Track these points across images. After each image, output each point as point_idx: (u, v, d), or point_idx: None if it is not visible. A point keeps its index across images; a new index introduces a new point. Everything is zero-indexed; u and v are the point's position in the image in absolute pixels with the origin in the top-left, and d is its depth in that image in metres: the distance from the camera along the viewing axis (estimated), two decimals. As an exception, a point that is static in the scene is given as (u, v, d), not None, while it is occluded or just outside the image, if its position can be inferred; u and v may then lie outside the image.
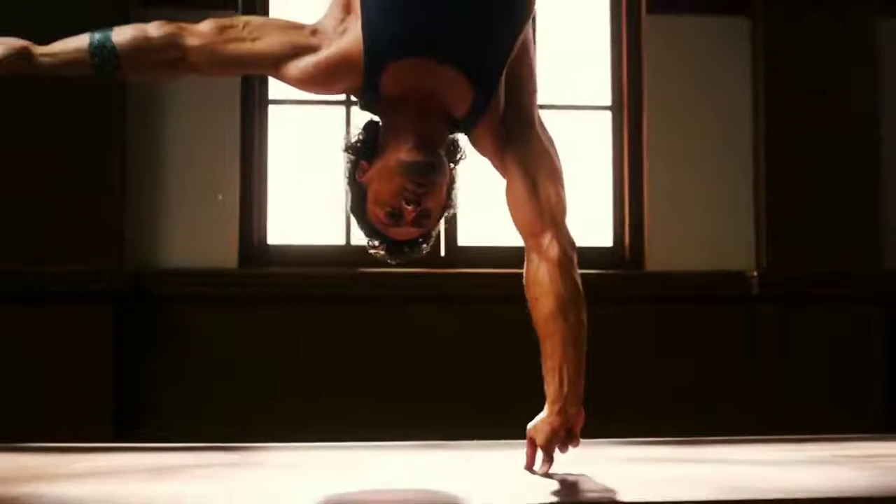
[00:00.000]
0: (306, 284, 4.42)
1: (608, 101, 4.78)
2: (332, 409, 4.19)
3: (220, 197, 4.47)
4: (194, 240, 4.45)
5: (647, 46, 4.71)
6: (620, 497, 1.91)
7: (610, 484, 2.07)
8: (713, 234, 4.63)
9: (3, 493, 1.99)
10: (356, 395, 4.26)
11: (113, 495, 1.97)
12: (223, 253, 4.48)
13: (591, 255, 4.68)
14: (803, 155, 4.60)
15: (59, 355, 4.16)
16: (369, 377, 4.32)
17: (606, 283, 4.58)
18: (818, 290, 4.55)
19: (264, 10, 4.61)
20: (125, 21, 4.10)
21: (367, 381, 4.30)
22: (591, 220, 4.76)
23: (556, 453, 2.19)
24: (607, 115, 4.78)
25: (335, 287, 4.40)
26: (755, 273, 4.54)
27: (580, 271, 4.51)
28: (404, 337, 4.38)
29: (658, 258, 4.64)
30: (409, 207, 2.18)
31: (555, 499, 1.89)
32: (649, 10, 4.70)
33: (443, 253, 4.57)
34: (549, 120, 4.66)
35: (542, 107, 4.61)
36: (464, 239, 4.61)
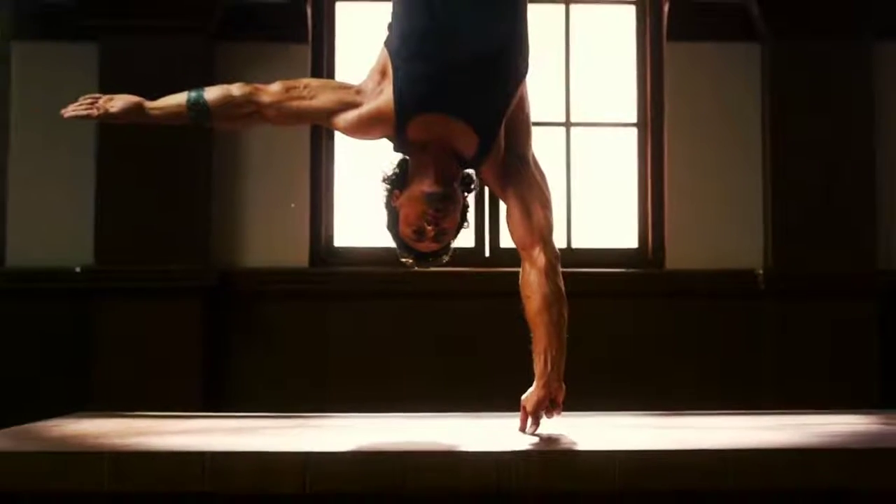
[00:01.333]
0: (368, 281, 5.10)
1: (634, 119, 5.40)
2: (387, 388, 4.86)
3: (293, 205, 5.18)
4: (271, 242, 5.17)
5: (668, 70, 5.31)
6: (577, 447, 2.56)
7: (576, 438, 2.70)
8: (725, 236, 5.23)
9: (118, 443, 2.68)
10: (410, 375, 4.94)
11: (201, 444, 2.65)
12: (296, 254, 5.20)
13: (618, 256, 5.33)
14: (807, 167, 5.16)
15: (158, 341, 4.90)
16: (421, 361, 5.00)
17: (631, 280, 5.23)
18: (818, 287, 5.11)
19: (330, 46, 5.31)
20: (212, 58, 4.85)
21: (419, 364, 4.98)
22: (618, 224, 5.39)
23: (543, 419, 2.82)
24: (633, 132, 5.40)
25: (393, 283, 5.04)
26: (761, 271, 5.13)
27: (608, 270, 5.19)
28: (453, 327, 5.05)
29: (676, 258, 5.26)
30: (430, 227, 2.83)
31: (530, 448, 2.53)
32: (669, 38, 5.31)
33: (487, 254, 5.22)
34: (582, 136, 5.33)
35: (576, 124, 5.28)
36: (506, 241, 5.25)
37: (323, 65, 5.30)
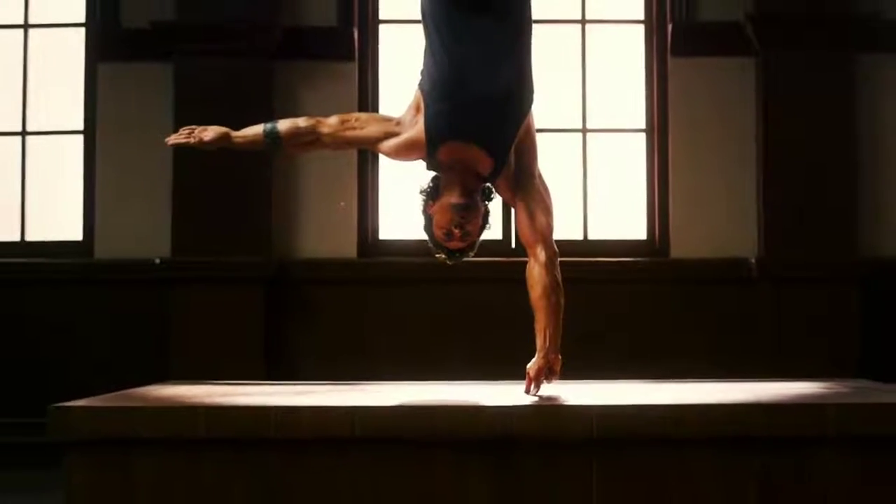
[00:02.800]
0: (409, 270, 5.81)
1: (643, 125, 6.09)
2: (423, 360, 5.58)
3: (342, 204, 5.93)
4: (323, 236, 5.94)
5: (672, 81, 6.00)
6: (565, 403, 3.28)
7: (567, 397, 3.41)
8: (723, 228, 5.91)
9: (207, 401, 3.42)
10: (442, 349, 5.66)
11: (270, 402, 3.38)
12: (345, 246, 5.96)
13: (628, 246, 6.04)
14: (795, 166, 5.82)
15: (226, 323, 5.68)
16: (452, 337, 5.73)
17: (640, 267, 5.94)
18: (806, 273, 5.78)
19: (374, 64, 6.04)
20: (271, 76, 5.55)
21: (450, 340, 5.71)
22: (628, 218, 6.09)
23: (543, 384, 3.53)
24: (642, 136, 6.09)
25: (431, 271, 5.65)
26: (754, 260, 5.81)
27: (620, 259, 5.89)
28: (484, 310, 5.77)
29: (680, 248, 5.96)
30: (457, 231, 3.53)
31: (530, 404, 3.26)
32: (673, 54, 5.99)
33: (513, 245, 5.92)
34: (596, 140, 6.01)
35: (591, 130, 5.96)
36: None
37: (368, 80, 6.04)
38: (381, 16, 6.13)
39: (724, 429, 3.13)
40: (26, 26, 6.22)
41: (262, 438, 3.15)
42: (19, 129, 6.18)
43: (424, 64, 3.60)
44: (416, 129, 3.57)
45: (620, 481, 3.13)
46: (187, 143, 3.78)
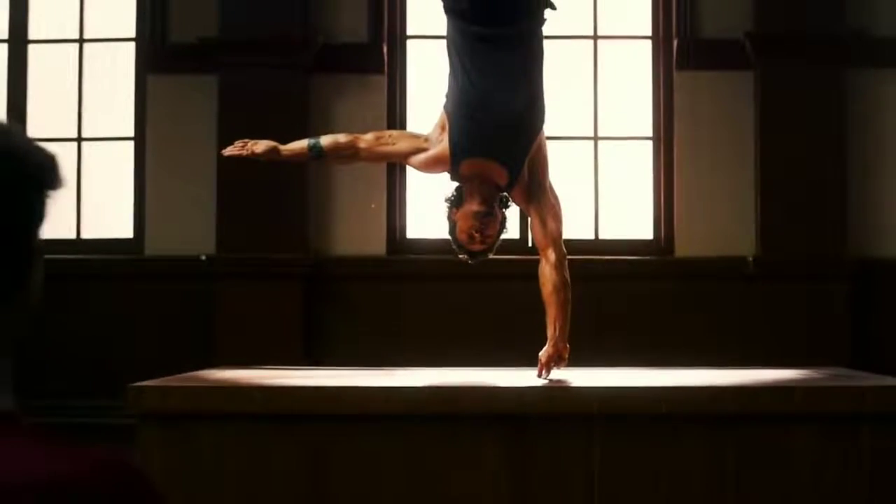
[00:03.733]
0: (435, 267, 6.27)
1: (650, 134, 6.58)
2: (448, 350, 6.06)
3: (373, 205, 6.43)
4: (356, 235, 6.44)
5: (677, 93, 6.48)
6: (570, 384, 3.78)
7: (573, 381, 3.91)
8: (723, 229, 6.39)
9: (260, 382, 3.94)
10: (465, 340, 6.15)
11: (314, 383, 3.90)
12: (376, 244, 6.46)
13: (636, 246, 6.53)
14: (790, 172, 6.29)
15: (267, 316, 6.19)
16: (475, 329, 6.22)
17: (647, 265, 6.42)
18: (799, 270, 6.26)
19: (402, 76, 6.54)
20: (308, 88, 6.01)
21: (473, 332, 6.21)
22: (636, 219, 6.58)
23: (553, 369, 4.03)
24: (649, 144, 6.58)
25: (455, 268, 6.07)
26: (752, 258, 6.29)
27: (629, 257, 6.36)
28: (501, 303, 6.26)
29: (684, 247, 6.44)
30: (477, 235, 4.02)
31: (540, 386, 3.76)
32: (678, 68, 6.47)
33: (529, 244, 6.41)
34: (607, 147, 6.47)
35: (602, 138, 6.41)
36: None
37: (396, 91, 6.54)
38: (409, 32, 6.62)
39: (707, 407, 3.63)
40: (81, 41, 6.74)
41: (308, 414, 3.66)
42: (75, 135, 6.70)
43: (449, 87, 4.09)
44: (441, 145, 4.07)
45: (618, 451, 3.61)
46: (240, 154, 4.26)
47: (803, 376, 4.27)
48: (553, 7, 4.09)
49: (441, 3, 4.10)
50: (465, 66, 4.00)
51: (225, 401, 3.72)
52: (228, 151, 4.29)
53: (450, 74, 4.09)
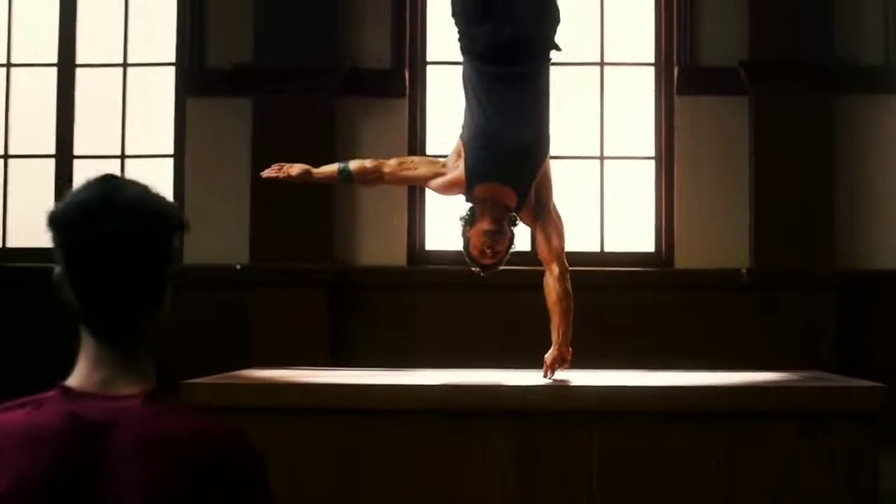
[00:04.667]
0: (451, 276, 6.73)
1: (652, 154, 7.07)
2: (463, 353, 6.52)
3: (394, 220, 6.93)
4: (378, 247, 6.94)
5: (678, 116, 6.97)
6: (572, 384, 4.27)
7: (575, 381, 4.39)
8: (719, 243, 6.87)
9: (295, 381, 4.43)
10: (479, 343, 6.63)
11: (342, 381, 4.39)
12: (397, 255, 6.97)
13: (638, 258, 7.01)
14: (782, 190, 6.77)
15: (296, 321, 6.68)
16: (487, 334, 6.71)
17: (648, 277, 6.90)
18: (790, 282, 6.74)
19: (422, 100, 7.04)
20: (335, 110, 6.49)
21: (485, 336, 6.69)
22: (639, 234, 7.06)
23: (557, 370, 4.50)
24: (651, 163, 7.07)
25: (469, 278, 6.58)
26: (745, 270, 6.77)
27: (632, 269, 6.80)
28: (512, 310, 6.74)
29: (683, 259, 6.92)
30: (488, 251, 4.49)
31: (544, 385, 4.25)
32: (679, 93, 6.96)
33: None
34: (612, 166, 6.94)
35: (608, 157, 6.88)
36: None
37: (417, 113, 7.04)
38: (429, 58, 7.13)
39: (696, 404, 4.09)
40: (125, 65, 7.27)
41: (339, 408, 4.14)
42: (119, 153, 7.23)
43: (465, 119, 4.57)
44: (458, 171, 4.55)
45: (615, 444, 4.07)
46: (277, 176, 4.75)
47: (783, 378, 4.73)
48: (559, 49, 4.59)
49: (459, 44, 4.60)
50: (481, 102, 4.49)
51: (267, 396, 4.22)
52: (266, 174, 4.76)
53: (466, 108, 4.58)
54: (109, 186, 1.78)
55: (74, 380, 1.77)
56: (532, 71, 4.53)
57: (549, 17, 4.56)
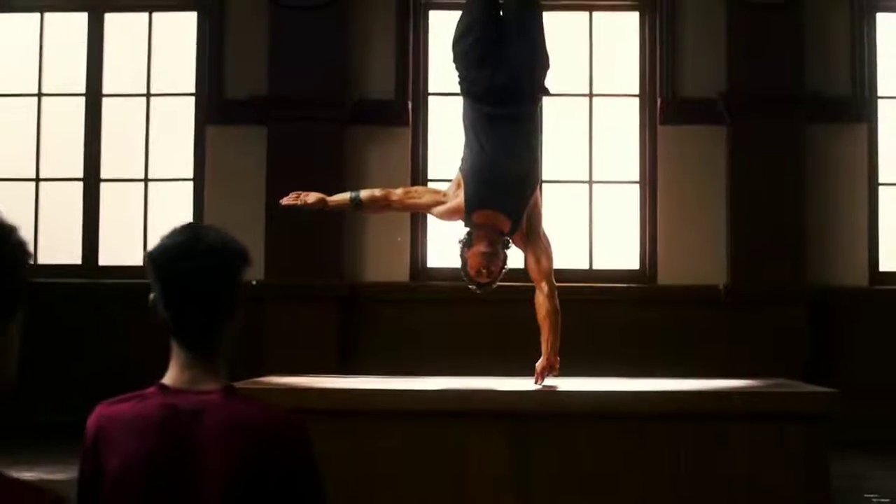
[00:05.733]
0: (450, 292, 7.25)
1: (637, 178, 7.63)
2: (462, 362, 7.03)
3: (398, 239, 7.48)
4: (383, 264, 7.49)
5: (661, 143, 7.53)
6: (560, 389, 4.82)
7: (563, 387, 4.93)
8: (699, 261, 7.42)
9: (312, 386, 4.98)
10: (477, 353, 7.14)
11: (358, 386, 4.93)
12: (400, 271, 7.51)
13: (623, 275, 7.56)
14: (756, 212, 7.33)
15: (309, 333, 7.23)
16: (485, 344, 7.24)
17: (633, 292, 7.45)
18: (764, 298, 7.29)
19: (424, 128, 7.60)
20: (343, 138, 7.02)
21: (483, 347, 7.22)
22: (625, 252, 7.62)
23: (547, 377, 5.05)
24: (636, 187, 7.63)
25: (468, 293, 7.04)
26: (723, 286, 7.33)
27: (618, 285, 7.33)
28: (505, 323, 7.27)
29: (666, 276, 7.48)
30: (484, 271, 5.03)
31: (535, 390, 4.80)
32: (661, 122, 7.53)
33: (532, 272, 7.44)
34: (600, 190, 7.49)
35: (596, 182, 7.43)
36: (546, 264, 7.47)
37: (419, 142, 7.60)
38: (430, 89, 7.70)
39: (666, 406, 4.63)
40: (148, 95, 7.83)
41: (352, 410, 4.69)
42: (142, 176, 7.79)
43: (464, 154, 5.11)
44: (458, 200, 5.08)
45: (597, 439, 4.61)
46: (295, 204, 5.29)
47: (747, 385, 5.28)
48: (548, 93, 5.15)
49: (459, 87, 5.16)
50: (479, 138, 5.03)
51: (290, 398, 4.73)
52: (285, 201, 5.27)
53: (465, 143, 5.12)
54: (193, 232, 2.35)
55: (168, 379, 2.33)
56: (524, 112, 5.07)
57: (539, 65, 5.11)
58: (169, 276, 2.31)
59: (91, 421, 2.33)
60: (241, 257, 2.38)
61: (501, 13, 5.16)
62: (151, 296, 2.35)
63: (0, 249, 1.44)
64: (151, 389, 2.32)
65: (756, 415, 4.64)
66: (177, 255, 2.32)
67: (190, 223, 2.40)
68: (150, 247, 2.37)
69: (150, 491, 2.21)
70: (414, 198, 5.24)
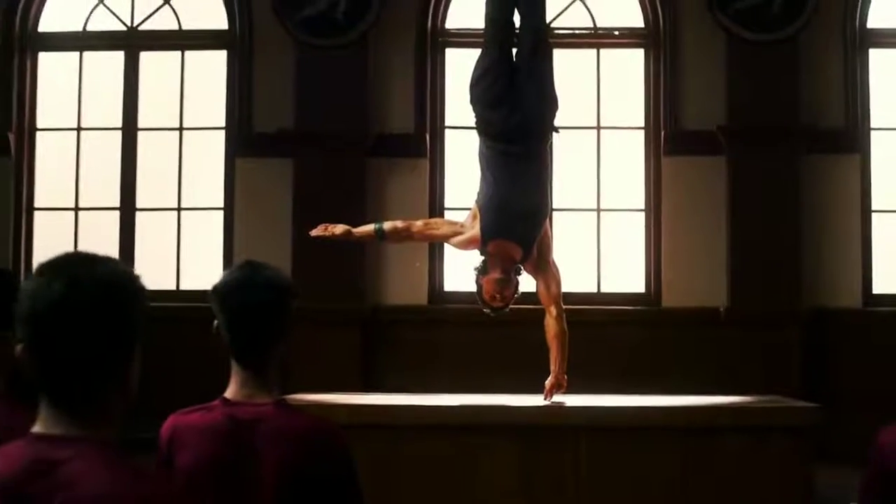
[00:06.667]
0: (467, 314, 7.59)
1: (642, 206, 8.07)
2: (478, 381, 7.46)
3: (417, 264, 7.92)
4: (403, 288, 7.92)
5: (665, 173, 7.96)
6: (567, 405, 5.25)
7: (569, 402, 5.36)
8: (701, 284, 7.84)
9: (342, 403, 5.42)
10: (492, 372, 7.54)
11: (381, 402, 5.37)
12: (419, 295, 7.95)
13: (630, 298, 7.98)
14: (755, 239, 7.75)
15: (333, 354, 7.66)
16: (499, 364, 7.64)
17: (639, 314, 7.87)
18: (761, 319, 7.69)
19: (441, 160, 8.06)
20: (365, 169, 7.46)
21: (497, 366, 7.60)
22: (631, 276, 8.05)
23: (555, 394, 5.47)
24: (642, 215, 8.06)
25: (483, 316, 7.42)
26: (723, 308, 7.75)
27: (625, 307, 7.74)
28: (517, 344, 7.68)
29: (670, 299, 7.90)
30: (497, 296, 5.46)
31: (544, 405, 5.23)
32: (665, 153, 7.96)
33: (544, 295, 7.87)
34: (608, 217, 7.94)
35: (604, 210, 7.88)
36: (556, 287, 7.91)
37: (437, 172, 8.05)
38: (447, 123, 8.15)
39: (663, 420, 5.07)
40: (181, 129, 8.29)
41: (377, 424, 5.11)
42: (175, 205, 8.26)
43: (480, 187, 5.52)
44: (474, 230, 5.50)
45: (599, 451, 5.03)
46: (323, 235, 5.73)
47: (739, 400, 5.70)
48: (557, 131, 5.61)
49: (476, 127, 5.60)
50: (494, 174, 5.46)
51: (321, 413, 5.18)
52: (314, 232, 5.70)
53: (481, 178, 5.56)
54: (250, 269, 2.80)
55: (229, 393, 2.78)
56: (535, 150, 5.50)
57: (549, 106, 5.55)
58: (230, 307, 2.77)
59: (165, 427, 2.79)
60: (290, 292, 2.83)
61: (515, 59, 5.62)
62: (215, 323, 2.81)
63: (132, 293, 1.87)
64: (216, 402, 2.78)
65: (744, 428, 5.05)
66: (237, 289, 2.77)
67: (247, 261, 2.86)
68: (215, 282, 2.83)
69: (216, 485, 2.66)
70: (433, 229, 5.68)
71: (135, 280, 1.88)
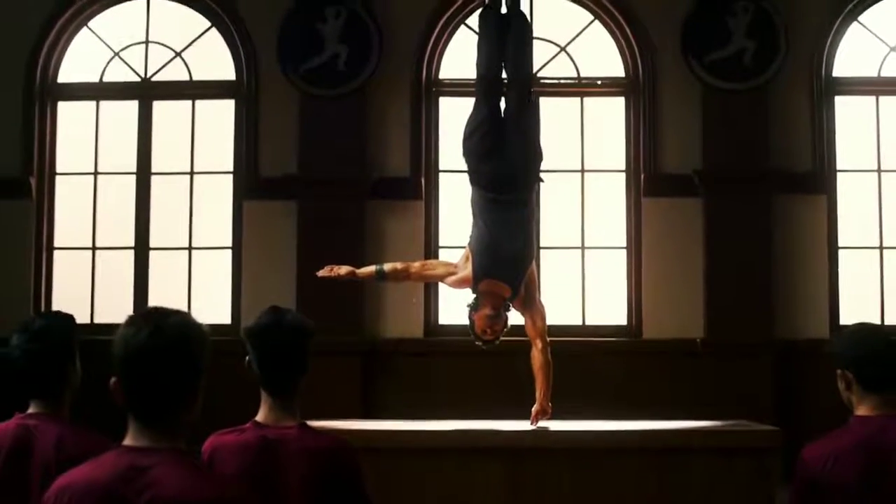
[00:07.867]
0: (460, 346, 7.97)
1: (624, 244, 8.59)
2: (472, 409, 7.93)
3: (414, 300, 8.43)
4: (400, 321, 8.42)
5: (645, 213, 8.47)
6: (551, 429, 5.76)
7: (553, 427, 5.86)
8: (679, 317, 8.33)
9: (351, 429, 5.93)
10: (485, 401, 7.99)
11: (384, 428, 5.88)
12: (415, 329, 8.45)
13: (612, 330, 8.49)
14: (730, 275, 8.26)
15: (335, 385, 8.12)
16: (491, 393, 8.12)
17: (620, 346, 8.37)
18: (736, 350, 8.18)
19: (436, 202, 8.58)
20: (364, 211, 7.97)
21: (490, 395, 8.08)
22: (613, 310, 8.56)
23: (541, 420, 5.97)
24: (623, 252, 8.59)
25: (475, 348, 7.72)
26: (700, 340, 8.27)
27: (607, 339, 8.26)
28: (506, 374, 8.16)
29: (650, 331, 8.40)
30: (489, 330, 5.96)
31: (530, 430, 5.74)
32: (645, 195, 8.49)
33: (532, 328, 8.37)
34: (591, 255, 8.47)
35: (588, 248, 8.40)
36: (544, 320, 8.42)
37: (431, 214, 8.56)
38: (441, 167, 8.67)
39: (638, 443, 5.56)
40: (192, 173, 8.78)
41: (379, 447, 5.60)
42: (186, 245, 8.76)
43: (472, 232, 6.02)
44: (466, 271, 6.01)
45: (581, 472, 5.49)
46: (329, 276, 6.25)
47: (707, 425, 6.20)
48: (542, 181, 6.15)
49: (468, 177, 6.13)
50: (485, 220, 5.97)
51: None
52: (321, 273, 6.21)
53: (473, 223, 6.06)
54: (279, 314, 3.34)
55: (260, 417, 3.32)
56: (522, 198, 6.02)
57: (535, 158, 6.09)
58: (260, 346, 3.31)
59: (206, 445, 3.33)
60: (311, 333, 3.37)
61: (503, 114, 6.16)
62: (247, 358, 3.34)
63: (199, 339, 2.41)
64: (248, 425, 3.32)
65: (713, 449, 5.55)
66: (266, 332, 3.31)
67: (274, 306, 3.40)
68: (248, 325, 3.37)
69: (251, 494, 3.19)
70: (429, 269, 6.21)
71: (201, 328, 2.42)
